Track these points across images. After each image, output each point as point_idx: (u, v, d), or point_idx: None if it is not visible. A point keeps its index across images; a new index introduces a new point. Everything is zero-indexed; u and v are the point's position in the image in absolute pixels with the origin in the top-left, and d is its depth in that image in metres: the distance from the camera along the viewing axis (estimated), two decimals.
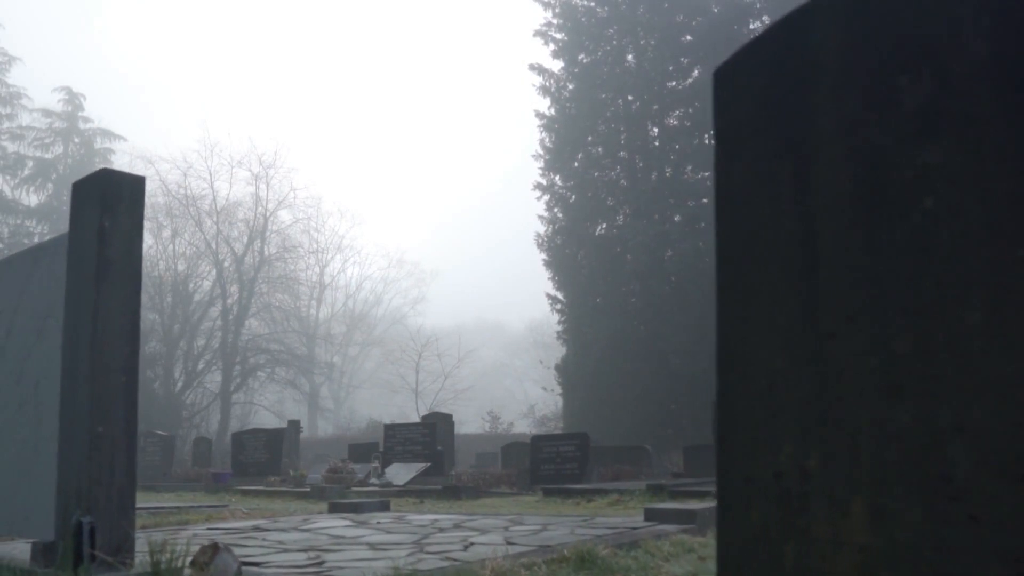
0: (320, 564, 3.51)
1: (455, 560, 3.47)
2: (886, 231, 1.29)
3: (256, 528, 5.32)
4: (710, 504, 5.64)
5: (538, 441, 13.26)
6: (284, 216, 33.50)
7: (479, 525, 5.12)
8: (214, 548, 2.57)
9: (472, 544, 4.11)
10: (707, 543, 4.19)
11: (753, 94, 1.63)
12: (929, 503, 1.18)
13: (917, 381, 1.23)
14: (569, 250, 27.25)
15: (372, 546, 4.13)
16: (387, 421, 22.85)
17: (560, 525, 5.00)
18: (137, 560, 2.91)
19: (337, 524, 5.41)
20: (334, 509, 6.80)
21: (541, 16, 28.41)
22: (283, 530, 5.10)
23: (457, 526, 5.11)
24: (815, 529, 1.42)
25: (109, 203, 3.06)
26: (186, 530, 5.28)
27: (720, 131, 1.71)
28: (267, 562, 3.56)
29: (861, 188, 1.36)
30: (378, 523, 5.41)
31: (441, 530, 4.88)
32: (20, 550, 3.56)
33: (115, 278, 3.06)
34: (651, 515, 5.02)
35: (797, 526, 1.44)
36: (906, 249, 1.26)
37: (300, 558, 3.72)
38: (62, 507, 2.99)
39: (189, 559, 2.57)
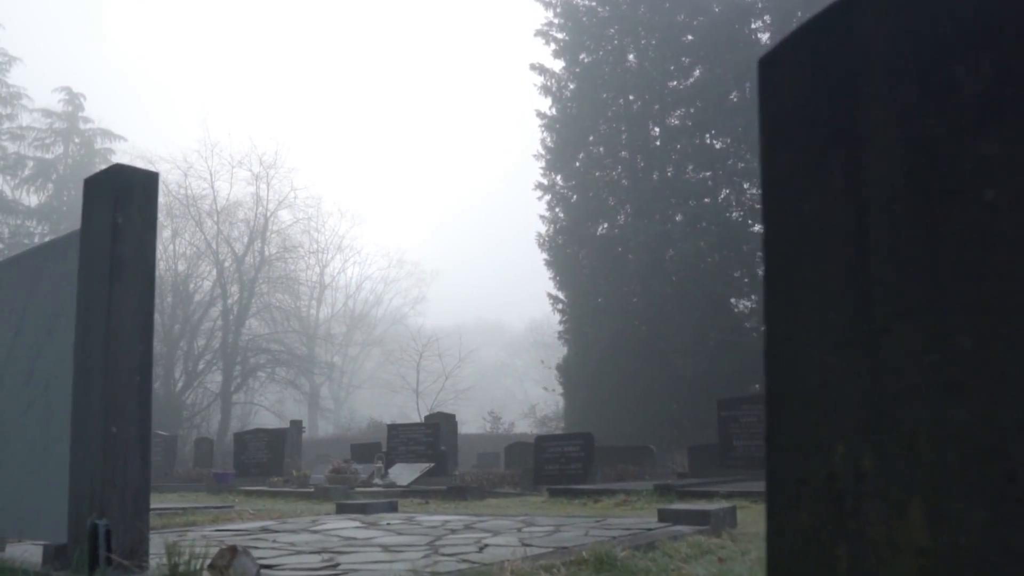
0: (335, 567, 3.46)
1: (472, 562, 3.42)
2: (944, 223, 1.24)
3: (265, 529, 5.27)
4: (723, 505, 5.60)
5: (542, 441, 13.22)
6: (284, 216, 33.46)
7: (490, 526, 5.07)
8: (232, 551, 2.53)
9: (487, 546, 4.06)
10: (724, 544, 4.15)
11: (800, 83, 1.58)
12: (993, 505, 1.13)
13: (978, 378, 1.17)
14: (570, 250, 27.22)
15: (385, 548, 4.08)
16: (388, 421, 22.81)
17: (572, 526, 4.96)
18: (153, 563, 2.86)
19: (346, 525, 5.36)
20: (342, 510, 6.74)
21: (542, 16, 28.40)
22: (293, 531, 5.04)
23: (468, 527, 5.06)
24: (871, 532, 1.37)
25: (122, 199, 3.01)
26: (194, 531, 5.22)
27: (766, 121, 1.66)
28: (280, 564, 3.51)
29: (916, 179, 1.31)
30: (388, 524, 5.36)
31: (453, 531, 4.83)
32: (30, 552, 3.51)
33: (128, 276, 3.01)
34: (665, 516, 4.97)
35: (851, 528, 1.39)
36: (965, 241, 1.21)
37: (314, 560, 3.67)
38: (75, 509, 2.94)
39: (207, 561, 2.53)
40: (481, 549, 3.90)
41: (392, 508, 6.91)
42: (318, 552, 3.94)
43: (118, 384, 2.94)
